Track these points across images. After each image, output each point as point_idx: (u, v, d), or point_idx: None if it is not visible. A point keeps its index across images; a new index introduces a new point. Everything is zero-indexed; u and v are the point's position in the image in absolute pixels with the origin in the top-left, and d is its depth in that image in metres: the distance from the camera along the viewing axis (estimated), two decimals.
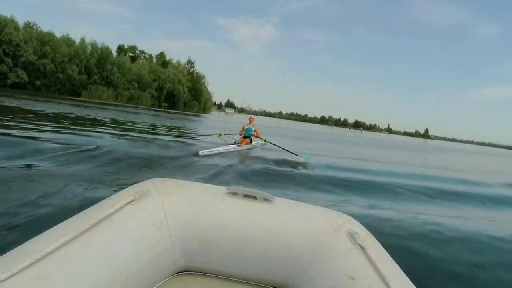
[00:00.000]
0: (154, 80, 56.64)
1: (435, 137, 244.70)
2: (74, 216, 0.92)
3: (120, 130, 9.88)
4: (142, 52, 67.01)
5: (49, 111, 13.82)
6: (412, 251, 2.46)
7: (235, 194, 1.11)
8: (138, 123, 14.67)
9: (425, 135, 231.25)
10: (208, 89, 74.46)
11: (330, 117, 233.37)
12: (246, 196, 1.10)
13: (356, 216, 1.13)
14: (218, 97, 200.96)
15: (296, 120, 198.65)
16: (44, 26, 79.13)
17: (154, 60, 66.26)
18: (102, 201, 1.00)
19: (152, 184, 1.08)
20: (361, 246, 0.94)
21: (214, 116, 51.39)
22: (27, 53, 40.68)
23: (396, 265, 0.95)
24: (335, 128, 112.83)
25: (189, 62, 69.06)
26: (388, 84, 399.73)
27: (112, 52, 53.98)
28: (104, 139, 7.12)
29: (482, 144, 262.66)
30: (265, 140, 9.31)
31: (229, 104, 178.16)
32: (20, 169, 3.65)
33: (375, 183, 5.47)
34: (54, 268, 0.74)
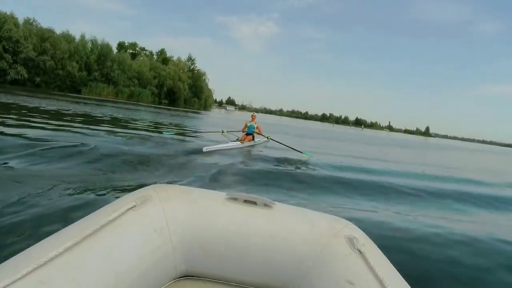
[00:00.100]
0: (155, 77, 56.48)
1: (436, 135, 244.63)
2: (76, 222, 0.93)
3: (120, 128, 9.85)
4: (143, 49, 66.79)
5: (46, 108, 13.71)
6: (410, 254, 2.43)
7: (235, 199, 1.12)
8: (139, 120, 14.59)
9: (426, 133, 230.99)
10: (209, 86, 74.54)
11: (331, 114, 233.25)
12: (246, 201, 1.11)
13: (355, 219, 1.16)
14: (219, 95, 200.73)
15: (297, 117, 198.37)
16: (44, 22, 78.97)
17: (155, 57, 66.05)
18: (103, 207, 1.01)
19: (153, 190, 1.10)
20: (359, 250, 0.95)
21: (215, 113, 51.24)
22: (26, 49, 40.50)
23: (395, 269, 0.96)
24: (336, 126, 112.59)
25: (190, 59, 68.92)
26: (388, 81, 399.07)
27: (113, 49, 53.77)
28: (105, 137, 7.06)
29: (483, 142, 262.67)
30: (267, 137, 9.33)
31: (230, 102, 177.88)
32: (8, 168, 3.54)
33: (375, 183, 5.39)
34: (56, 273, 0.74)
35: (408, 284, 0.89)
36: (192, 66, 68.57)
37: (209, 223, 1.06)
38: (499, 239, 3.05)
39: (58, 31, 46.85)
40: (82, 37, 49.62)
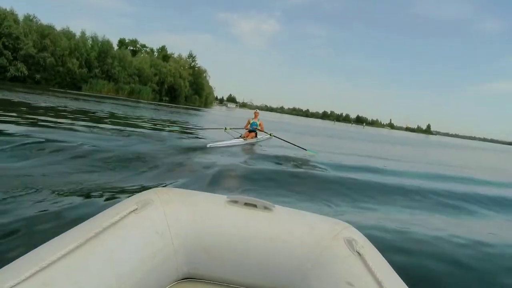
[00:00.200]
0: (155, 74, 56.38)
1: (437, 133, 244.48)
2: (78, 225, 0.94)
3: (122, 126, 9.79)
4: (143, 46, 66.66)
5: (43, 105, 13.63)
6: (410, 256, 2.40)
7: (235, 202, 1.13)
8: (143, 118, 14.55)
9: (427, 130, 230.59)
10: (210, 84, 74.37)
11: (332, 112, 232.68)
12: (246, 204, 1.12)
13: (355, 221, 1.20)
14: (220, 92, 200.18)
15: (298, 115, 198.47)
16: (44, 19, 78.77)
17: (155, 54, 65.88)
18: (105, 210, 1.02)
19: (154, 193, 1.11)
20: (358, 252, 0.96)
21: (216, 110, 51.13)
22: (26, 46, 40.38)
23: (393, 271, 0.97)
24: (337, 123, 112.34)
25: (191, 56, 68.81)
26: (389, 79, 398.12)
27: (113, 46, 53.61)
28: (105, 135, 7.01)
29: (484, 140, 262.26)
30: (270, 134, 9.41)
31: (231, 99, 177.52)
32: (5, 169, 3.44)
33: (377, 183, 5.33)
34: (59, 276, 0.76)
35: (407, 286, 0.90)
36: (193, 63, 68.52)
37: (210, 225, 1.07)
38: (504, 242, 3.00)
39: (58, 27, 46.88)
40: (83, 34, 49.56)
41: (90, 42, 49.95)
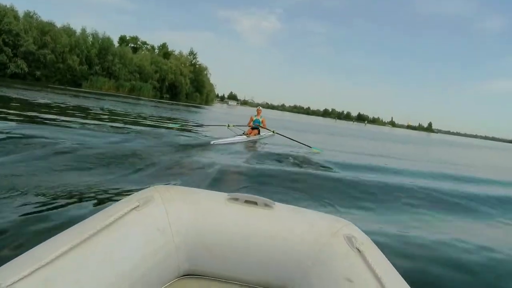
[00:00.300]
0: (156, 71, 56.20)
1: (439, 131, 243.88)
2: (80, 223, 0.95)
3: (123, 124, 9.78)
4: (144, 43, 66.37)
5: (42, 102, 13.55)
6: (410, 253, 2.38)
7: (236, 200, 1.14)
8: (144, 114, 14.50)
9: (429, 128, 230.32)
10: (211, 81, 74.08)
11: (333, 110, 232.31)
12: (247, 201, 1.13)
13: (355, 219, 1.23)
14: (221, 89, 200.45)
15: (299, 112, 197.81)
16: (44, 15, 78.61)
17: (156, 51, 65.66)
18: (107, 208, 1.03)
19: (155, 190, 1.12)
20: (358, 249, 0.97)
21: (217, 108, 51.06)
22: (27, 43, 40.23)
23: (393, 268, 0.97)
24: (338, 121, 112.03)
25: (191, 53, 68.52)
26: (390, 77, 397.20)
27: (114, 43, 53.40)
28: (106, 132, 6.95)
29: (486, 138, 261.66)
30: (273, 132, 9.45)
31: (232, 96, 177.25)
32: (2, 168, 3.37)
33: (378, 181, 5.25)
34: (60, 273, 0.76)
35: (406, 283, 0.90)
36: (194, 61, 68.18)
37: (211, 223, 1.08)
38: (507, 244, 2.94)
39: (58, 24, 46.62)
40: (83, 30, 49.34)
41: (91, 39, 49.75)
